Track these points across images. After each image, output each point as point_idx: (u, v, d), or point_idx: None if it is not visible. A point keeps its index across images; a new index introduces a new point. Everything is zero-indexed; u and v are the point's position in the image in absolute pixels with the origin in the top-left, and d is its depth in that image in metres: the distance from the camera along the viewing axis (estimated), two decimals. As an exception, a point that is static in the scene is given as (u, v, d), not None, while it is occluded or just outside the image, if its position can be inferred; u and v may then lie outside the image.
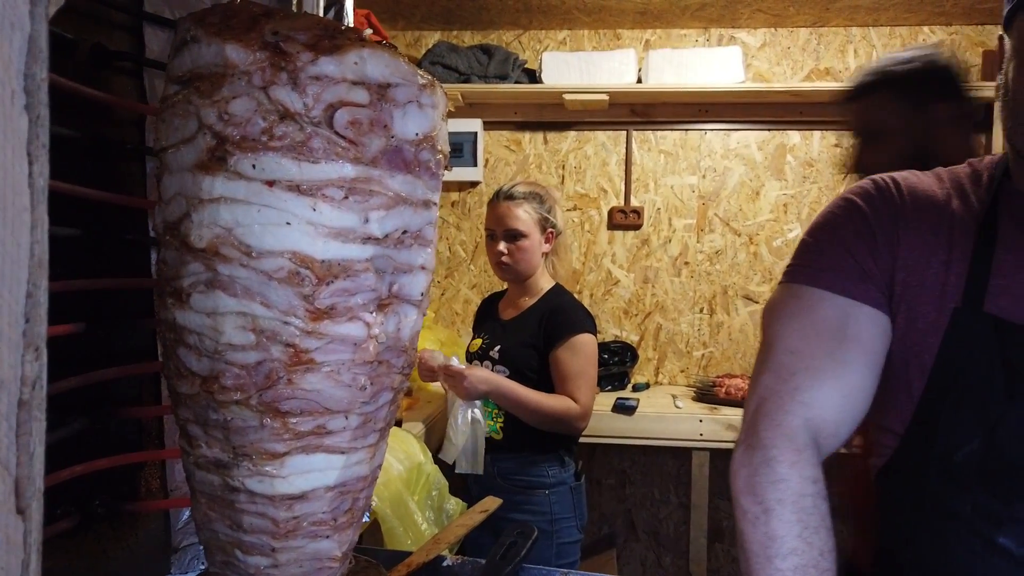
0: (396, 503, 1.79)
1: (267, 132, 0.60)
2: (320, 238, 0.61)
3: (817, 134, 3.02)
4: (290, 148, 0.60)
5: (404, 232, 0.66)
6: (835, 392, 0.83)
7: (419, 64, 2.94)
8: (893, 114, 1.46)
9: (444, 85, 2.84)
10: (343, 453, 0.67)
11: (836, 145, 3.01)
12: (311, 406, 0.64)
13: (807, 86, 2.87)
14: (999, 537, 0.80)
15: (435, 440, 2.42)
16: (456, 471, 2.04)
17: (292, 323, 0.61)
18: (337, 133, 0.61)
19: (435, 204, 0.71)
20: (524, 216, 2.06)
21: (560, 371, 1.97)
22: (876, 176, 0.93)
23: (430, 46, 3.01)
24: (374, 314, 0.65)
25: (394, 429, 2.09)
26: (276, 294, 0.61)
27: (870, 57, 2.97)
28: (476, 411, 2.01)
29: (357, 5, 2.63)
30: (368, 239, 0.63)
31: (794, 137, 3.04)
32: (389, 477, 1.81)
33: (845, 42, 2.99)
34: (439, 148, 0.69)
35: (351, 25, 1.09)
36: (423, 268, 0.70)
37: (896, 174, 0.93)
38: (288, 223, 0.60)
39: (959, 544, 0.83)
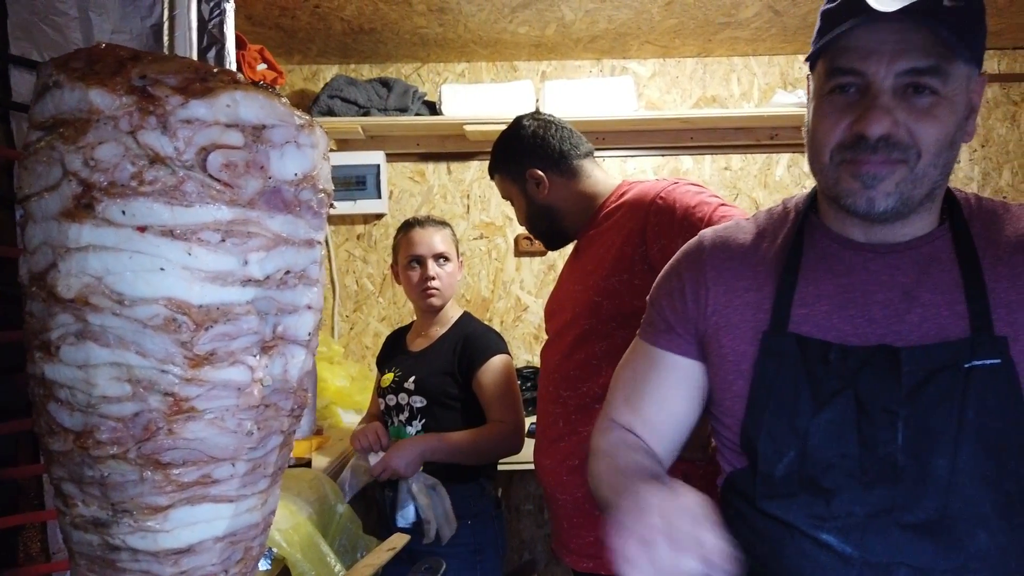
0: (307, 547, 1.73)
1: (137, 177, 0.59)
2: (197, 283, 0.60)
3: (708, 158, 3.16)
4: (162, 193, 0.59)
5: (287, 272, 0.66)
6: (637, 421, 1.02)
7: (318, 98, 2.91)
8: (510, 187, 1.81)
9: (344, 118, 2.85)
10: (231, 502, 0.66)
11: (726, 168, 3.15)
12: (194, 455, 0.62)
13: (696, 113, 3.01)
14: (823, 534, 0.86)
15: (348, 478, 2.36)
16: (440, 544, 1.94)
17: (170, 371, 0.60)
18: (211, 176, 0.60)
19: (319, 243, 0.71)
20: (447, 241, 2.12)
21: (485, 397, 2.01)
22: (705, 230, 1.06)
23: (328, 80, 2.99)
24: (258, 357, 0.64)
25: (304, 470, 2.03)
26: (152, 342, 0.59)
27: (752, 84, 3.14)
28: (419, 485, 1.95)
29: (251, 40, 2.60)
30: (248, 281, 0.63)
31: (687, 162, 3.16)
32: (299, 520, 1.75)
33: (728, 71, 3.15)
34: (321, 187, 0.69)
35: (234, 65, 1.08)
36: (309, 307, 0.69)
37: (720, 226, 1.06)
38: (162, 269, 0.59)
39: (793, 546, 0.89)
